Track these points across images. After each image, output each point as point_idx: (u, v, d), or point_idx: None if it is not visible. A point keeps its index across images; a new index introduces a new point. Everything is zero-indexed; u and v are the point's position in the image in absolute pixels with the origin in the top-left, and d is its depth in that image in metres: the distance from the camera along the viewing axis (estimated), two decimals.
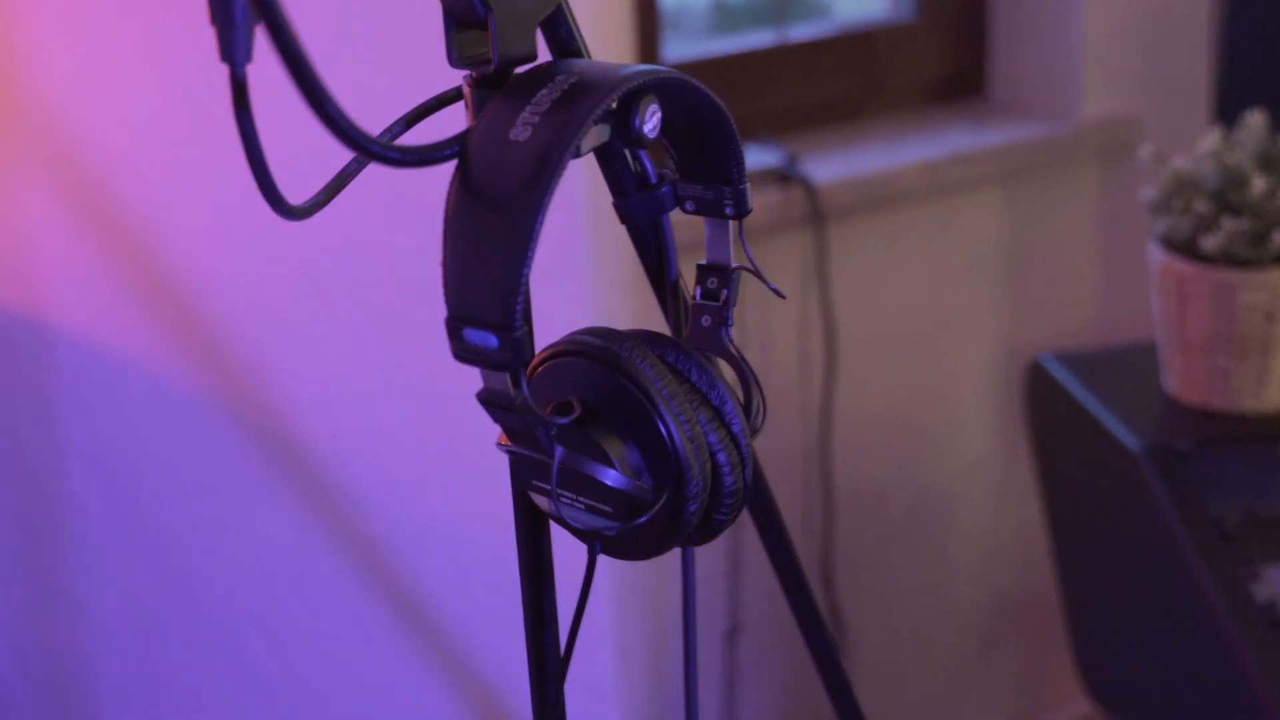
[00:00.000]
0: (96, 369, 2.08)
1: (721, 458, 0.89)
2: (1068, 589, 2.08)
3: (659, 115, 0.87)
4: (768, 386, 0.99)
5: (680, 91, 0.87)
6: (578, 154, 0.82)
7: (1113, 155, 2.61)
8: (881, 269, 2.35)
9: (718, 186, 0.93)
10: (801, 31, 2.53)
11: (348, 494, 2.10)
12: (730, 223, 0.95)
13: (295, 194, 0.86)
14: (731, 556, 2.35)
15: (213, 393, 2.08)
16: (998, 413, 2.54)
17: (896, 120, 2.60)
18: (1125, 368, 1.99)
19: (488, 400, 0.84)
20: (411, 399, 2.08)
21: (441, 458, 2.10)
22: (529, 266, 0.80)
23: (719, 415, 0.90)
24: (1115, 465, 1.85)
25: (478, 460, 2.08)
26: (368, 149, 0.78)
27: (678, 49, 2.40)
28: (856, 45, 2.58)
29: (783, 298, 0.94)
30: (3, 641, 2.29)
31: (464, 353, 0.82)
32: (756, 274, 0.95)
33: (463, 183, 0.82)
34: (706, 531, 0.91)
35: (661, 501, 0.87)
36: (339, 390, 2.08)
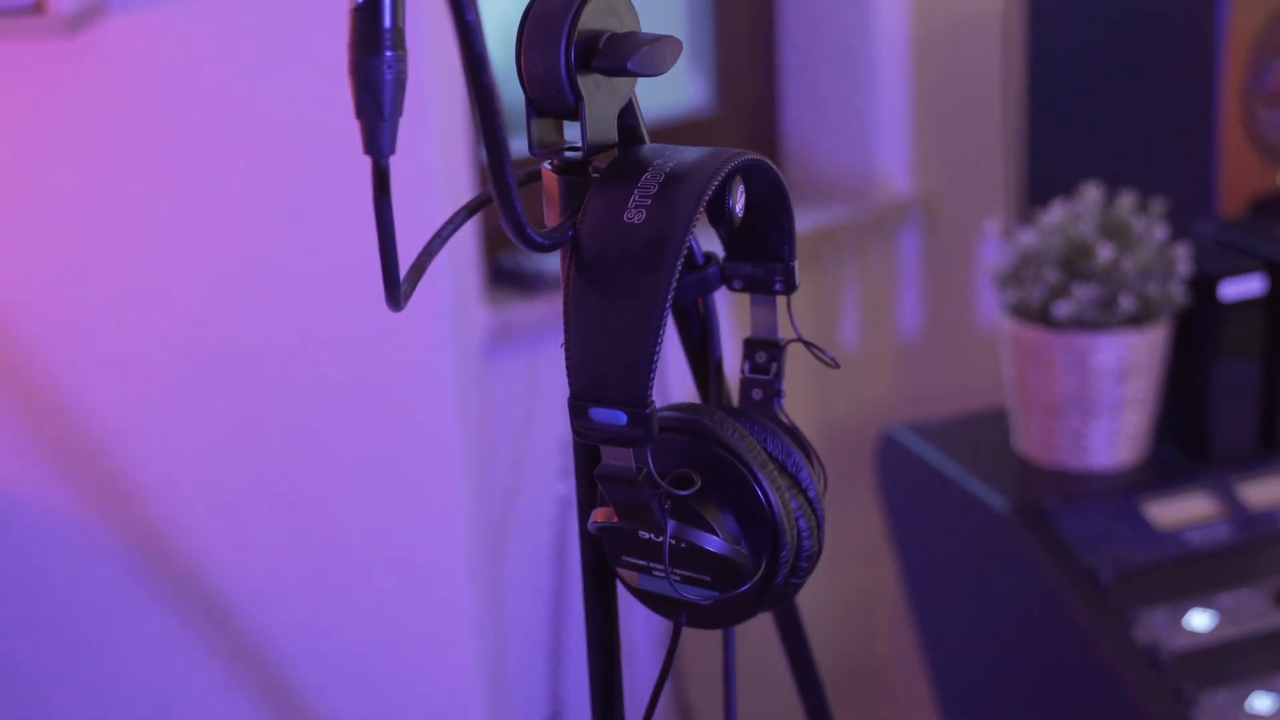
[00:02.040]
0: None
1: (802, 524, 0.92)
2: (934, 654, 2.16)
3: (744, 195, 0.91)
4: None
5: (759, 173, 0.91)
6: None
7: (899, 233, 2.73)
8: None
9: (769, 264, 0.97)
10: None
11: (216, 603, 2.06)
12: (778, 299, 0.98)
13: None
14: (555, 641, 2.36)
15: (78, 506, 2.02)
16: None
17: None
18: (976, 434, 2.08)
19: (609, 476, 0.86)
20: (279, 509, 2.06)
21: (310, 564, 2.08)
22: (660, 343, 0.82)
23: (796, 482, 0.93)
24: (983, 527, 1.93)
25: (344, 567, 2.07)
26: (533, 240, 0.80)
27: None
28: (656, 139, 2.64)
29: (836, 367, 0.98)
30: None
31: (588, 431, 0.84)
32: (809, 347, 0.99)
33: (580, 266, 0.84)
34: (780, 595, 0.94)
35: (762, 568, 0.90)
36: (208, 501, 2.05)
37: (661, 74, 0.88)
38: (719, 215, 0.89)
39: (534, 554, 2.31)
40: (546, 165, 0.90)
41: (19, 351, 1.96)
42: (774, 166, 0.91)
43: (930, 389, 2.66)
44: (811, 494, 0.94)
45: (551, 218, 0.91)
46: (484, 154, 0.77)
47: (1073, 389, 1.91)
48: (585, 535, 0.95)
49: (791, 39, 2.74)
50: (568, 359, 0.84)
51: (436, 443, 2.08)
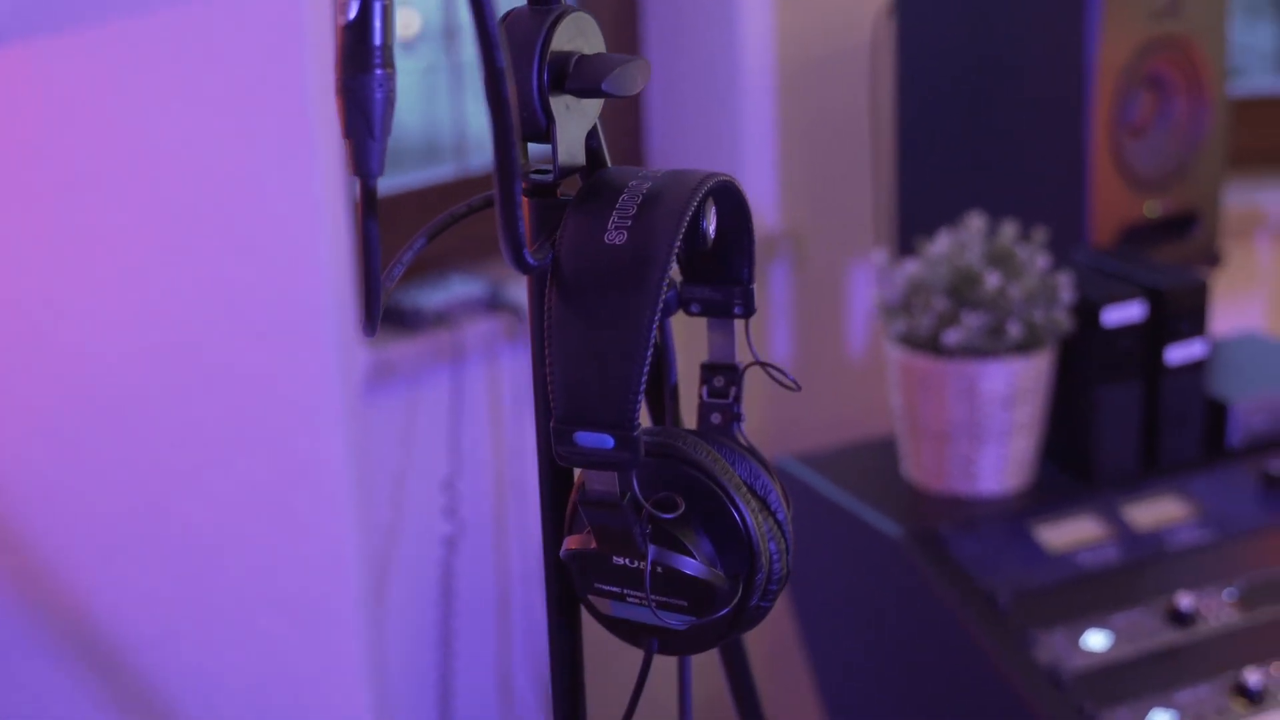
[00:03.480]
0: None
1: (773, 546, 0.92)
2: (829, 685, 2.16)
3: (715, 215, 0.90)
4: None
5: (727, 194, 0.91)
6: None
7: (768, 267, 2.74)
8: None
9: (728, 287, 0.96)
10: (481, 162, 2.57)
11: (101, 647, 2.01)
12: (736, 322, 0.98)
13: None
14: (443, 684, 2.34)
15: None
16: None
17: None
18: (864, 463, 2.10)
19: (592, 501, 0.85)
20: (163, 551, 2.02)
21: (196, 606, 2.04)
22: (647, 365, 0.82)
23: (766, 505, 0.93)
24: (877, 554, 1.94)
25: (231, 608, 2.03)
26: (527, 264, 0.79)
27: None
28: None
29: (798, 389, 0.98)
30: None
31: (573, 455, 0.83)
32: (767, 368, 0.98)
33: (562, 289, 0.83)
34: (751, 619, 0.94)
35: (739, 591, 0.89)
36: (92, 543, 1.99)
37: (633, 94, 0.88)
38: (691, 237, 0.89)
39: (419, 595, 2.28)
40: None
41: None
42: (740, 188, 0.91)
43: (804, 421, 2.67)
44: (780, 516, 0.93)
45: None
46: (494, 171, 0.75)
47: (962, 415, 1.93)
48: (551, 564, 0.94)
49: (656, 68, 2.75)
50: (551, 382, 0.83)
51: (320, 482, 2.05)
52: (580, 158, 0.89)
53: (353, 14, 0.74)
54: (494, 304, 2.35)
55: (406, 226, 2.42)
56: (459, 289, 2.34)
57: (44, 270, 1.91)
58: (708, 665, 1.17)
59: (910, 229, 2.35)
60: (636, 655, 0.93)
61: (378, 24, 0.75)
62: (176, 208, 1.92)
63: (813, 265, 2.75)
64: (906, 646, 2.00)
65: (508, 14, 0.87)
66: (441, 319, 2.26)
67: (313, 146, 1.94)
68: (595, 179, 0.88)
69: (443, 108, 2.49)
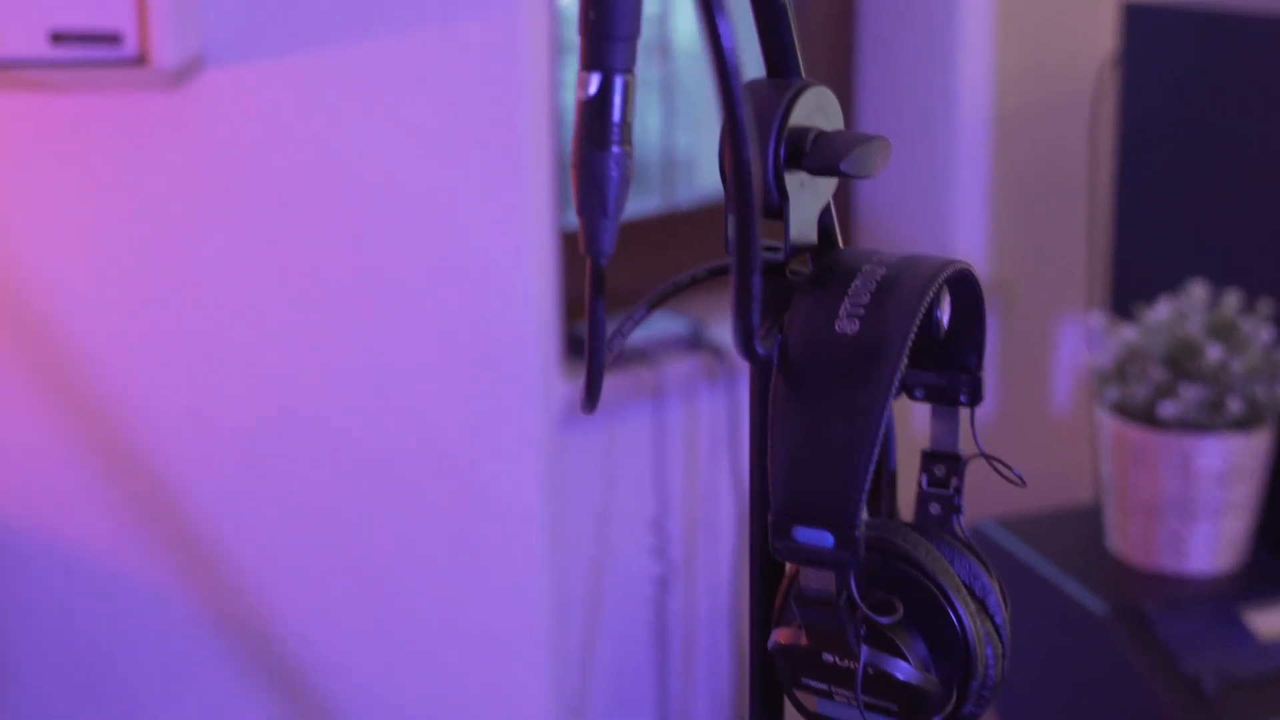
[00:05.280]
0: (46, 559, 1.96)
1: (989, 651, 0.88)
2: None
3: (950, 304, 0.86)
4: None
5: (964, 282, 0.87)
6: None
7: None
8: None
9: (954, 374, 0.92)
10: (689, 196, 2.56)
11: (285, 669, 2.02)
12: (961, 410, 0.94)
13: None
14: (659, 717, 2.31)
15: (148, 565, 1.98)
16: None
17: None
18: (1068, 531, 2.03)
19: (807, 598, 0.81)
20: (351, 577, 2.02)
21: (382, 634, 2.04)
22: (873, 463, 0.78)
23: (984, 608, 0.89)
24: (1078, 628, 1.88)
25: (416, 639, 2.02)
26: (757, 354, 0.76)
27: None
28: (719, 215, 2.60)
29: (1023, 485, 0.93)
30: None
31: (790, 551, 0.80)
32: (993, 463, 0.94)
33: (788, 377, 0.80)
34: None
35: (953, 697, 0.85)
36: (281, 565, 2.00)
37: (872, 176, 0.84)
38: (925, 326, 0.85)
39: (628, 634, 2.26)
40: None
41: (97, 404, 1.92)
42: (977, 277, 0.87)
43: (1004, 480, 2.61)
44: (998, 620, 0.89)
45: None
46: (732, 260, 0.72)
47: (1174, 490, 1.86)
48: (756, 655, 0.91)
49: (868, 110, 2.71)
50: (772, 474, 0.80)
51: (514, 516, 2.04)
52: (812, 236, 0.86)
53: (593, 90, 0.72)
54: (696, 343, 2.32)
55: (630, 258, 2.41)
56: (661, 325, 2.32)
57: (250, 289, 1.92)
58: None
59: (1125, 289, 2.27)
60: None
61: (618, 101, 0.72)
62: (384, 234, 1.93)
63: (1021, 317, 2.68)
64: None
65: (748, 85, 0.84)
66: (643, 355, 2.24)
67: (523, 179, 1.93)
68: (828, 261, 0.84)
69: (651, 129, 2.47)
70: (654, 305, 0.91)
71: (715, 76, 0.62)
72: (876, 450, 0.78)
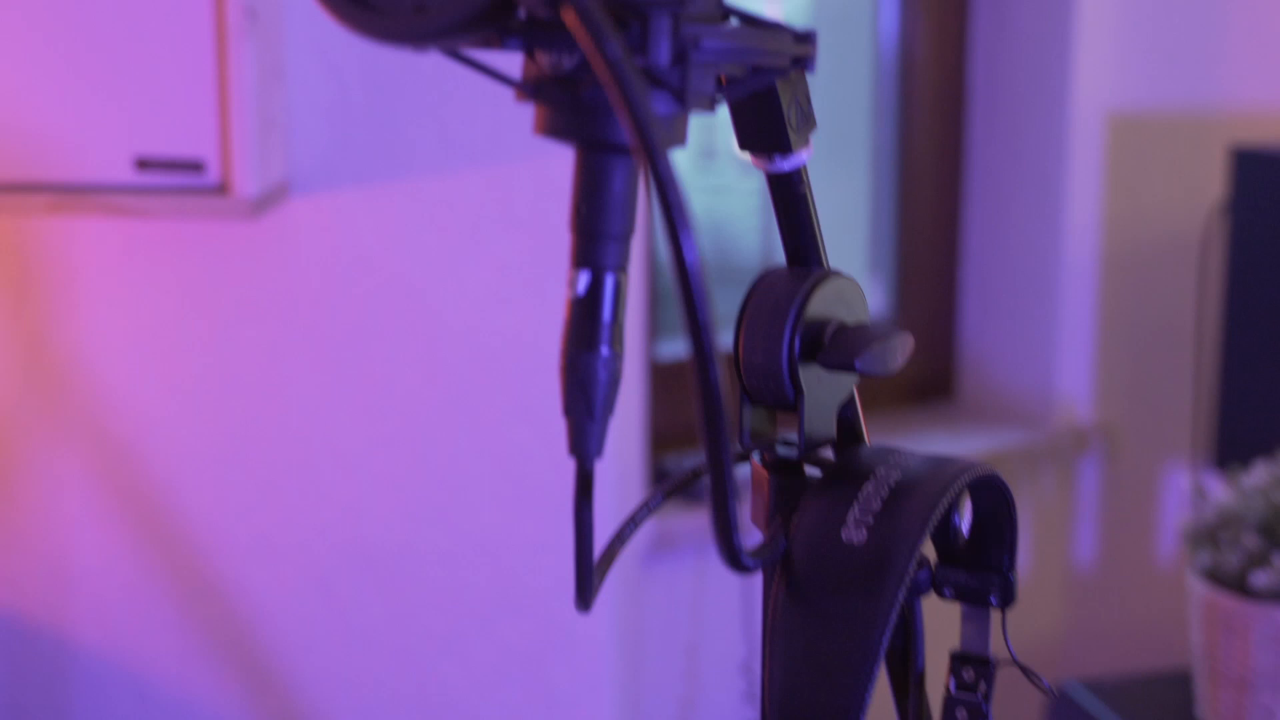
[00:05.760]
0: (119, 682, 1.95)
1: None
2: None
3: (971, 513, 0.82)
4: None
5: (988, 487, 0.83)
6: None
7: (1078, 461, 2.62)
8: None
9: (985, 574, 0.88)
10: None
11: None
12: (992, 611, 0.89)
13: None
14: None
15: (221, 689, 1.97)
16: None
17: (870, 422, 2.58)
18: (1155, 698, 1.96)
19: None
20: (423, 712, 1.99)
21: None
22: (873, 684, 0.74)
23: None
24: None
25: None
26: (745, 565, 0.72)
27: (669, 348, 2.38)
28: None
29: (1055, 698, 0.88)
30: None
31: None
32: (1026, 672, 0.89)
33: (790, 586, 0.76)
34: None
35: None
36: (352, 697, 1.98)
37: (891, 373, 0.80)
38: (942, 533, 0.81)
39: None
40: (756, 458, 0.83)
41: (172, 528, 1.92)
42: (1004, 481, 0.83)
43: (1102, 628, 2.53)
44: None
45: (756, 513, 0.83)
46: (707, 467, 0.67)
47: (1268, 664, 1.78)
48: None
49: (975, 249, 2.66)
50: (768, 689, 0.76)
51: (589, 652, 2.00)
52: (831, 430, 0.82)
53: (582, 288, 0.69)
54: None
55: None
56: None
57: (327, 418, 1.91)
58: None
59: (1229, 443, 2.20)
60: None
61: (608, 300, 0.69)
62: (463, 367, 1.91)
63: (1125, 463, 2.61)
64: None
65: (764, 274, 0.81)
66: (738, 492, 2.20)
67: None
68: (841, 461, 0.81)
69: (748, 239, 2.45)
70: (670, 493, 0.88)
71: (679, 290, 0.58)
72: (878, 669, 0.74)
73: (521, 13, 0.62)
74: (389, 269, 1.88)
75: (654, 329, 2.29)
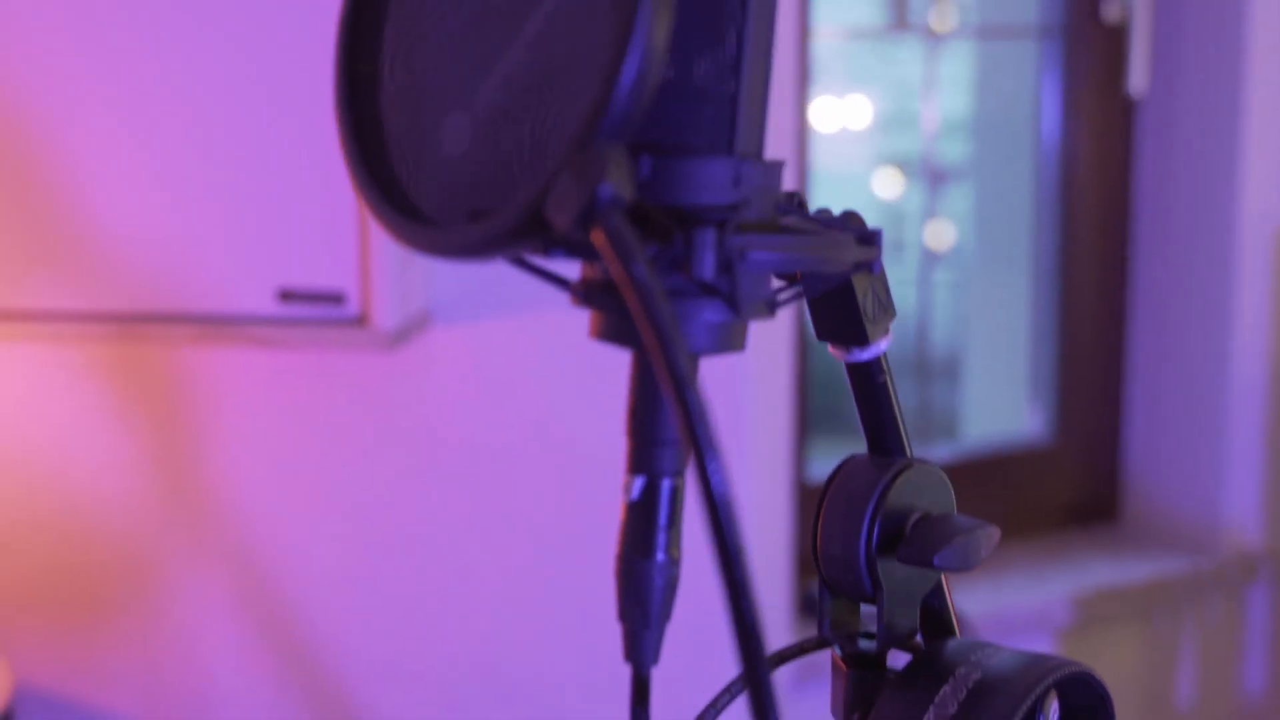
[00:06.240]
0: None
1: None
2: None
3: (1058, 713, 0.79)
4: None
5: (1082, 686, 0.79)
6: None
7: (1247, 588, 2.53)
8: None
9: None
10: (937, 453, 2.48)
11: None
12: None
13: None
14: None
15: None
16: None
17: (1031, 546, 2.52)
18: None
19: None
20: None
21: None
22: None
23: None
24: None
25: None
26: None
27: (819, 468, 2.35)
28: (990, 468, 2.52)
29: None
30: None
31: None
32: None
33: None
34: None
35: None
36: None
37: (972, 569, 0.77)
38: None
39: None
40: (837, 650, 0.80)
41: (310, 654, 1.93)
42: (1101, 681, 0.79)
43: None
44: None
45: (836, 704, 0.81)
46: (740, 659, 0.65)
47: None
48: None
49: (1140, 370, 2.60)
50: None
51: None
52: (913, 622, 0.79)
53: (636, 494, 0.68)
54: None
55: None
56: None
57: (462, 547, 1.92)
58: None
59: None
60: None
61: (664, 507, 0.68)
62: (599, 498, 1.90)
63: None
64: None
65: (845, 462, 0.79)
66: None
67: (752, 436, 1.89)
68: (923, 657, 0.78)
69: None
70: (734, 696, 0.85)
71: (708, 519, 0.56)
72: None
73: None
74: (525, 398, 1.89)
75: (802, 450, 2.26)
